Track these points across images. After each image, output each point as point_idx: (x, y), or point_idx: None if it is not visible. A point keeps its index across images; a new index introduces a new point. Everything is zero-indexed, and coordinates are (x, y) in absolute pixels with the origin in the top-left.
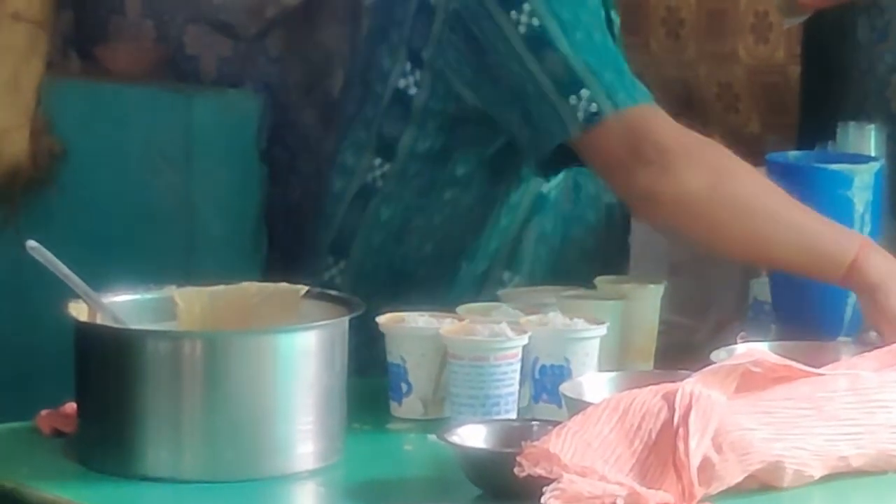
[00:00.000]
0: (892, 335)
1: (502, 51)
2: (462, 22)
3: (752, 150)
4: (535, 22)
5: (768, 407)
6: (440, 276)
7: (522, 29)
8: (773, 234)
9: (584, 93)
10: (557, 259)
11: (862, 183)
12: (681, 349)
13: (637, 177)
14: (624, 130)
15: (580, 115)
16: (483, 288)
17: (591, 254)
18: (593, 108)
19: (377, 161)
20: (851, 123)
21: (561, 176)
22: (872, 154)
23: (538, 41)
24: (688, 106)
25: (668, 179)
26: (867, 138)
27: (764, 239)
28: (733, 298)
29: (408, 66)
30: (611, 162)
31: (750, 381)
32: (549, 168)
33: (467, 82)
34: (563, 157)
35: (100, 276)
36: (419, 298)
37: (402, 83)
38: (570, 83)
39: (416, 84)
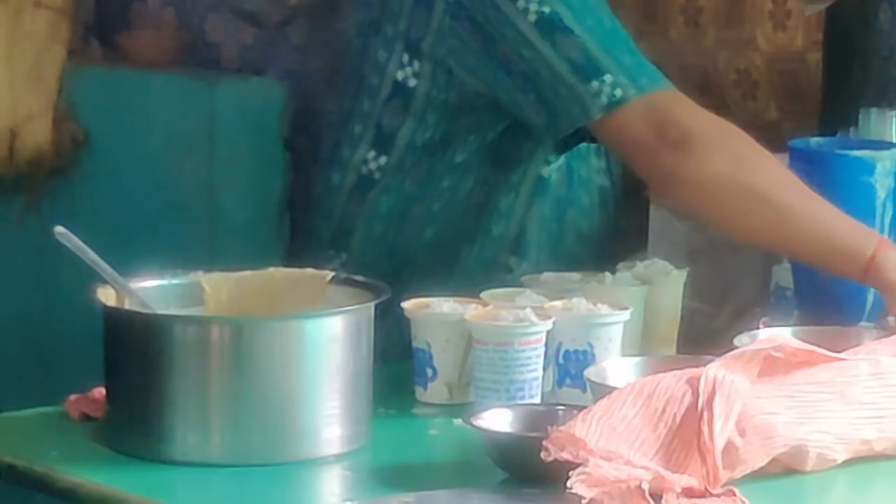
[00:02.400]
0: None
1: (511, 38)
2: (464, 10)
3: (770, 137)
4: (545, 9)
5: (791, 391)
6: (442, 263)
7: (532, 17)
8: (792, 224)
9: (608, 77)
10: (555, 243)
11: (884, 169)
12: (701, 335)
13: (661, 158)
14: (649, 113)
15: (603, 98)
16: (490, 274)
17: (586, 237)
18: (618, 92)
19: (371, 154)
20: (873, 110)
21: (562, 160)
22: (894, 140)
23: (550, 27)
24: (706, 93)
25: (692, 162)
26: (889, 124)
27: (782, 229)
28: (753, 285)
29: (405, 58)
30: (635, 144)
31: (772, 365)
32: (562, 147)
33: (471, 69)
34: (574, 135)
35: (121, 262)
36: (422, 286)
37: (400, 75)
38: (590, 67)
39: (416, 75)
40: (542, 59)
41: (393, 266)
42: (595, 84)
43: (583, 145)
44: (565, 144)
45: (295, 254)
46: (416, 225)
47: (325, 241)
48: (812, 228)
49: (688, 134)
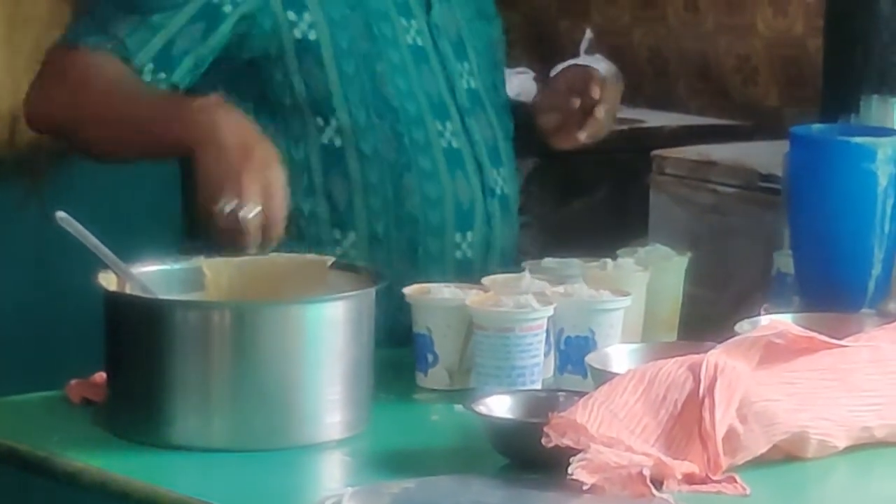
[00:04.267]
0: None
1: None
2: None
3: (770, 123)
4: None
5: (792, 378)
6: None
7: None
8: (118, 129)
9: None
10: (397, 209)
11: (885, 156)
12: (702, 321)
13: (27, 101)
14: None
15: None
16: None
17: (436, 200)
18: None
19: (319, 121)
20: (874, 96)
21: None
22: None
23: None
24: (706, 78)
25: (38, 99)
26: (890, 111)
27: (111, 136)
28: (754, 271)
29: None
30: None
31: (774, 352)
32: None
33: None
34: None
35: (122, 247)
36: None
37: None
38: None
39: None
40: None
41: None
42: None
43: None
44: None
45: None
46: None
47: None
48: (135, 124)
49: (37, 77)
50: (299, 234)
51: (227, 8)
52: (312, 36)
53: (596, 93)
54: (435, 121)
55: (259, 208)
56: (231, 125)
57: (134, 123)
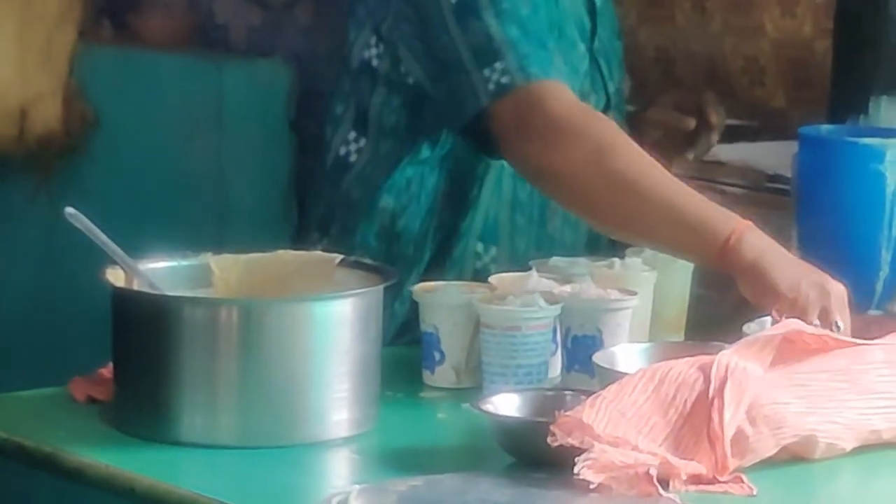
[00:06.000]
0: (777, 307)
1: (437, 22)
2: None
3: (777, 124)
4: None
5: (803, 380)
6: (413, 254)
7: (454, 0)
8: (651, 212)
9: (498, 65)
10: (538, 227)
11: (894, 157)
12: (708, 321)
13: (524, 149)
14: (522, 102)
15: (491, 86)
16: (460, 262)
17: (574, 222)
18: (505, 79)
19: (352, 135)
20: (883, 97)
21: None
22: None
23: (465, 11)
24: (713, 80)
25: (552, 153)
26: None
27: (641, 216)
28: None
29: (373, 39)
30: (505, 133)
31: (786, 352)
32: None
33: (416, 57)
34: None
35: (130, 243)
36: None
37: (366, 54)
38: (488, 53)
39: (378, 56)
40: (454, 45)
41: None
42: (487, 71)
43: None
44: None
45: (297, 236)
46: (385, 216)
47: (313, 225)
48: (671, 214)
49: (550, 124)
50: (448, 245)
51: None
52: None
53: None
54: None
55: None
56: (778, 260)
57: (668, 219)
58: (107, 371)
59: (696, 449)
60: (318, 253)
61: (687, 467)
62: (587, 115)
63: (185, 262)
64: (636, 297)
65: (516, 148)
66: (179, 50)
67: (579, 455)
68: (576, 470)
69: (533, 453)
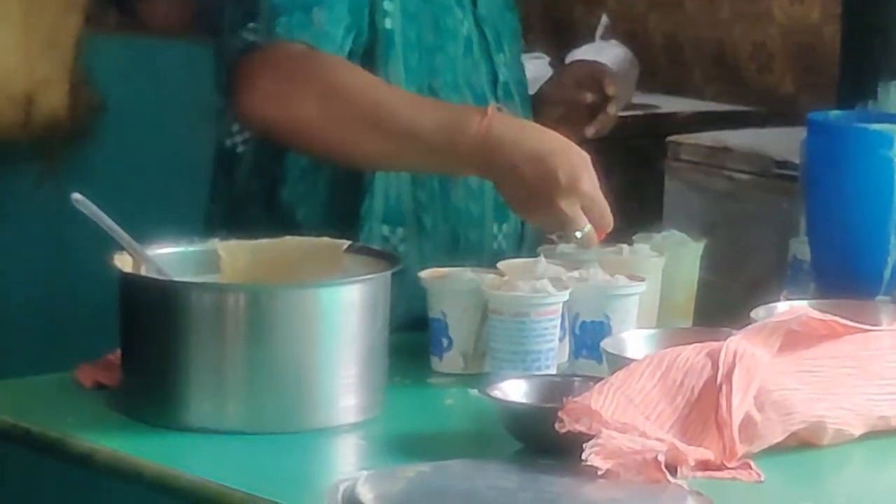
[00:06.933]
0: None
1: None
2: None
3: (786, 110)
4: None
5: (812, 366)
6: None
7: None
8: (390, 142)
9: (251, 25)
10: (443, 202)
11: None
12: (716, 308)
13: (253, 105)
14: (258, 60)
15: (240, 44)
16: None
17: (477, 191)
18: (251, 38)
19: (235, 126)
20: (892, 83)
21: None
22: None
23: None
24: (721, 65)
25: (279, 107)
26: None
27: (381, 149)
28: (768, 257)
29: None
30: (238, 90)
31: (794, 338)
32: None
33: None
34: None
35: (138, 229)
36: None
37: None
38: (249, 15)
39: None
40: (230, 8)
41: None
42: (242, 32)
43: None
44: None
45: (206, 232)
46: (284, 207)
47: (218, 222)
48: (415, 137)
49: (273, 79)
50: (351, 231)
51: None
52: (390, 26)
53: (612, 90)
54: None
55: (588, 226)
56: (523, 149)
57: (410, 138)
58: (114, 357)
59: (704, 435)
60: (326, 239)
61: (695, 453)
62: (310, 64)
63: (192, 248)
64: (644, 283)
65: (245, 104)
66: (186, 36)
67: (587, 441)
68: (584, 456)
69: (541, 439)
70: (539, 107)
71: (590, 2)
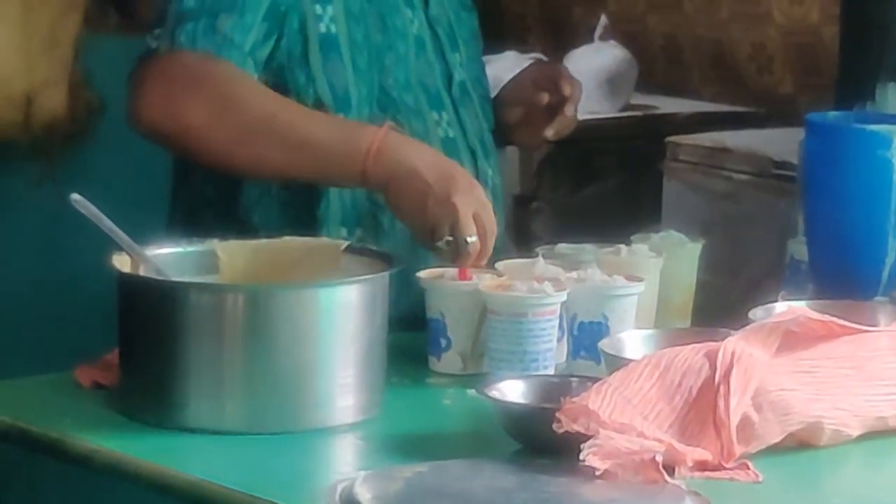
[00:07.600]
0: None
1: None
2: None
3: (785, 110)
4: None
5: (809, 366)
6: None
7: None
8: (283, 152)
9: (157, 31)
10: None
11: None
12: (715, 308)
13: (140, 112)
14: (155, 67)
15: (143, 49)
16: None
17: None
18: (153, 44)
19: None
20: (891, 84)
21: None
22: None
23: None
24: (720, 66)
25: (165, 115)
26: None
27: (273, 158)
28: (767, 258)
29: None
30: (129, 97)
31: (792, 339)
32: None
33: None
34: None
35: (136, 229)
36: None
37: None
38: (160, 20)
39: None
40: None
41: None
42: (149, 38)
43: None
44: None
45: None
46: (241, 212)
47: (179, 228)
48: (305, 150)
49: (164, 88)
50: (310, 235)
51: (283, 7)
52: (333, 29)
53: (567, 90)
54: (432, 111)
55: (475, 237)
56: (423, 156)
57: (305, 149)
58: (112, 357)
59: (702, 435)
60: (324, 239)
61: (693, 454)
62: (203, 73)
63: (191, 249)
64: (642, 284)
65: (133, 111)
66: None
67: (585, 441)
68: (581, 456)
69: (539, 439)
70: (499, 108)
71: (589, 3)
